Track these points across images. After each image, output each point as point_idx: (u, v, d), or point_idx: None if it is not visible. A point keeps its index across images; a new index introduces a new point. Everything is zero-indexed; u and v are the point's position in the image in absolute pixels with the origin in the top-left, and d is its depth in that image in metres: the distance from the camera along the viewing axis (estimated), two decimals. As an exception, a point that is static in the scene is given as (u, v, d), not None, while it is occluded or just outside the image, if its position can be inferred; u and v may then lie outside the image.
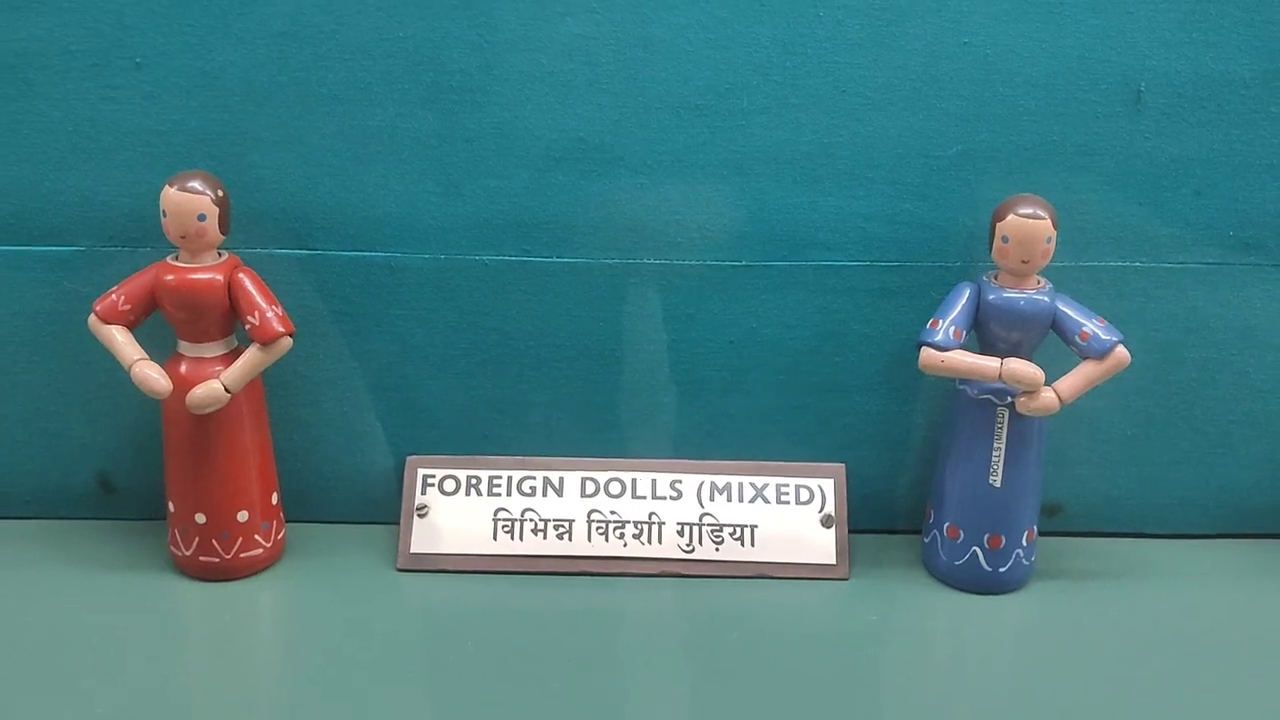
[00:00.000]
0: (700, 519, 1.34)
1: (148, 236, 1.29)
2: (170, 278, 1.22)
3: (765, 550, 1.33)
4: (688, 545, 1.33)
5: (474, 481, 1.36)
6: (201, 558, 1.29)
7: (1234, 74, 1.27)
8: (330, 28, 1.25)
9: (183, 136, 1.28)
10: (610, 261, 1.32)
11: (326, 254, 1.32)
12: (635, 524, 1.34)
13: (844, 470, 1.37)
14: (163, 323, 1.26)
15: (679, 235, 1.32)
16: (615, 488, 1.36)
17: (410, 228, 1.31)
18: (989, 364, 1.24)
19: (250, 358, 1.24)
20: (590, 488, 1.36)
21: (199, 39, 1.25)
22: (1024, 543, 1.30)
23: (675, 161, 1.30)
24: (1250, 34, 1.26)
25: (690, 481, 1.36)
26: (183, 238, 1.21)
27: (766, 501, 1.35)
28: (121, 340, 1.24)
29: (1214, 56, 1.27)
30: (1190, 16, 1.25)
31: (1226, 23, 1.26)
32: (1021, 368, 1.23)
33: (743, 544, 1.33)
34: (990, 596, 1.31)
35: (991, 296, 1.25)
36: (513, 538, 1.33)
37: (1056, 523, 1.42)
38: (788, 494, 1.36)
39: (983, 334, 1.27)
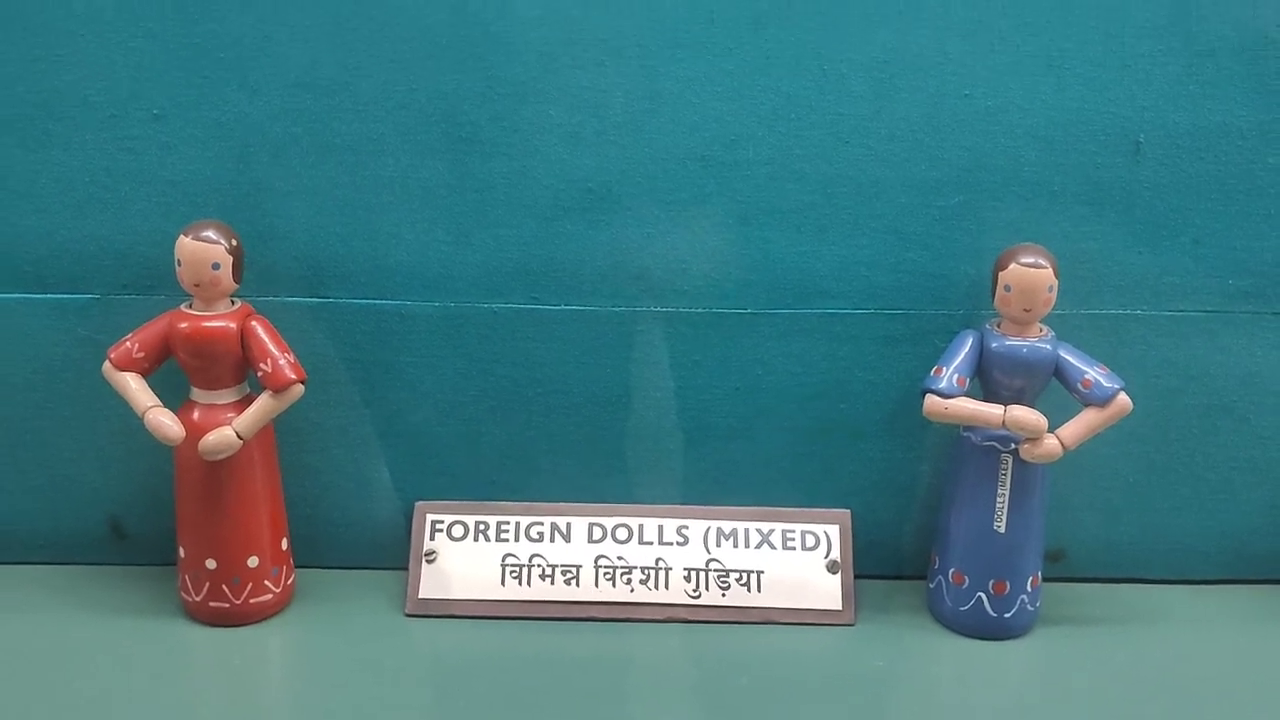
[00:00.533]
0: (707, 564, 1.35)
1: (162, 284, 1.31)
2: (184, 325, 1.24)
3: (771, 596, 1.33)
4: (694, 591, 1.34)
5: (482, 527, 1.37)
6: (212, 603, 1.29)
7: (1232, 125, 1.29)
8: (343, 80, 1.27)
9: (198, 186, 1.30)
10: (617, 309, 1.34)
11: (338, 302, 1.34)
12: (642, 569, 1.34)
13: (849, 516, 1.38)
14: (176, 370, 1.27)
15: (685, 283, 1.34)
16: (622, 533, 1.37)
17: (420, 276, 1.33)
18: (993, 411, 1.25)
19: (262, 405, 1.25)
20: (597, 533, 1.37)
21: (215, 91, 1.28)
22: (1028, 588, 1.31)
23: (681, 211, 1.32)
24: (1247, 86, 1.28)
25: (697, 527, 1.37)
26: (196, 286, 1.23)
27: (773, 547, 1.36)
28: (135, 387, 1.25)
29: (1212, 108, 1.29)
30: (1188, 69, 1.28)
31: (1224, 75, 1.28)
32: (1025, 415, 1.24)
33: (749, 589, 1.34)
34: (995, 642, 1.31)
35: (994, 344, 1.26)
36: (520, 583, 1.34)
37: (1060, 568, 1.43)
38: (793, 540, 1.36)
39: (986, 381, 1.29)
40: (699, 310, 1.34)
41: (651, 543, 1.36)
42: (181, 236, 1.22)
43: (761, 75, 1.28)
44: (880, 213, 1.32)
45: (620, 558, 1.35)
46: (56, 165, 1.30)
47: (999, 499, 1.28)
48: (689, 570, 1.35)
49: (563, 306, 1.34)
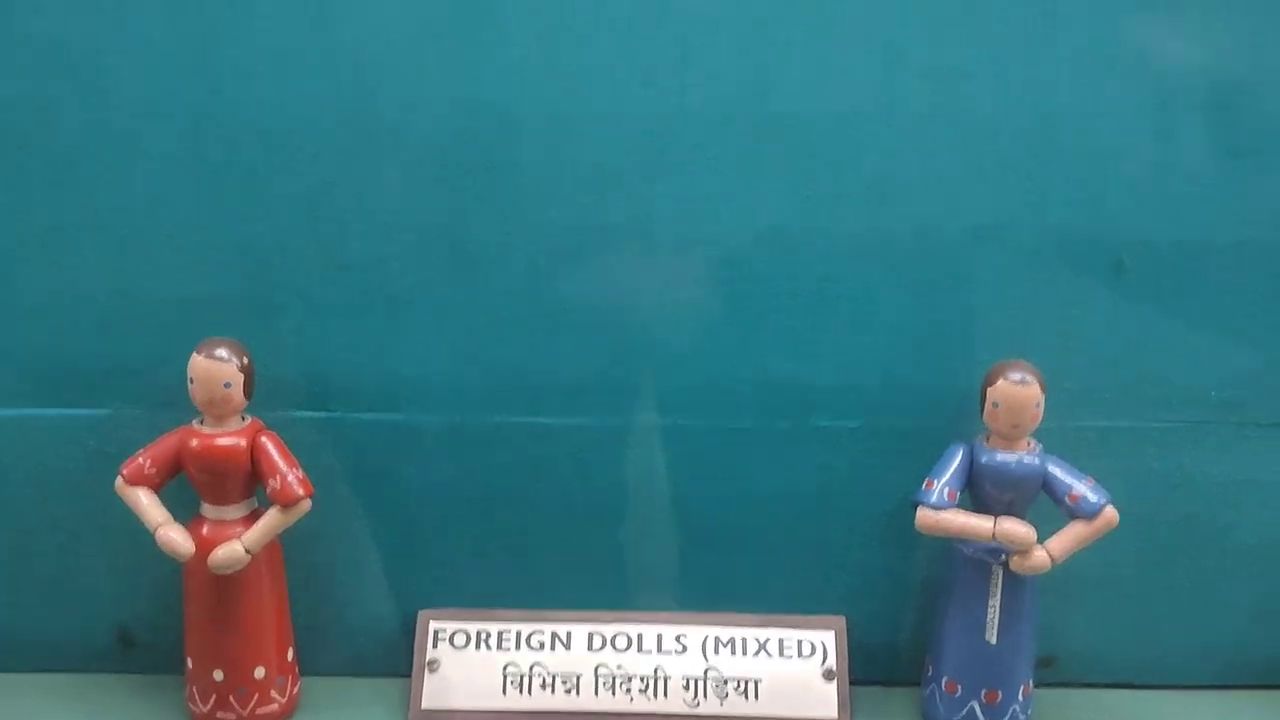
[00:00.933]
0: (705, 673, 1.37)
1: (174, 399, 1.34)
2: (195, 443, 1.27)
3: (769, 704, 1.36)
4: (693, 700, 1.36)
5: (484, 635, 1.39)
6: (219, 714, 1.32)
7: (1210, 242, 1.33)
8: (352, 201, 1.32)
9: (209, 303, 1.34)
10: (618, 423, 1.38)
11: (346, 416, 1.37)
12: (641, 678, 1.37)
13: (844, 623, 1.41)
14: (186, 482, 1.30)
15: (682, 397, 1.37)
16: (621, 641, 1.39)
17: (426, 390, 1.37)
18: (982, 524, 1.28)
19: (270, 520, 1.28)
20: (597, 642, 1.39)
21: (227, 210, 1.32)
22: (1020, 697, 1.33)
23: (680, 327, 1.36)
24: (1224, 205, 1.32)
25: (695, 635, 1.40)
26: (209, 403, 1.27)
27: (769, 655, 1.38)
28: (147, 503, 1.28)
29: (1192, 226, 1.33)
30: (1169, 187, 1.32)
31: (1202, 194, 1.32)
32: (1014, 528, 1.27)
33: (746, 698, 1.36)
34: (989, 750, 1.34)
35: (984, 459, 1.30)
36: (521, 692, 1.36)
37: (1051, 674, 1.45)
38: (790, 647, 1.39)
39: (976, 494, 1.32)
40: (696, 423, 1.38)
41: (650, 651, 1.38)
42: (195, 355, 1.26)
43: (755, 196, 1.32)
44: (872, 328, 1.36)
45: (619, 666, 1.37)
46: (71, 283, 1.34)
47: (990, 610, 1.31)
48: (688, 679, 1.37)
49: (564, 420, 1.38)
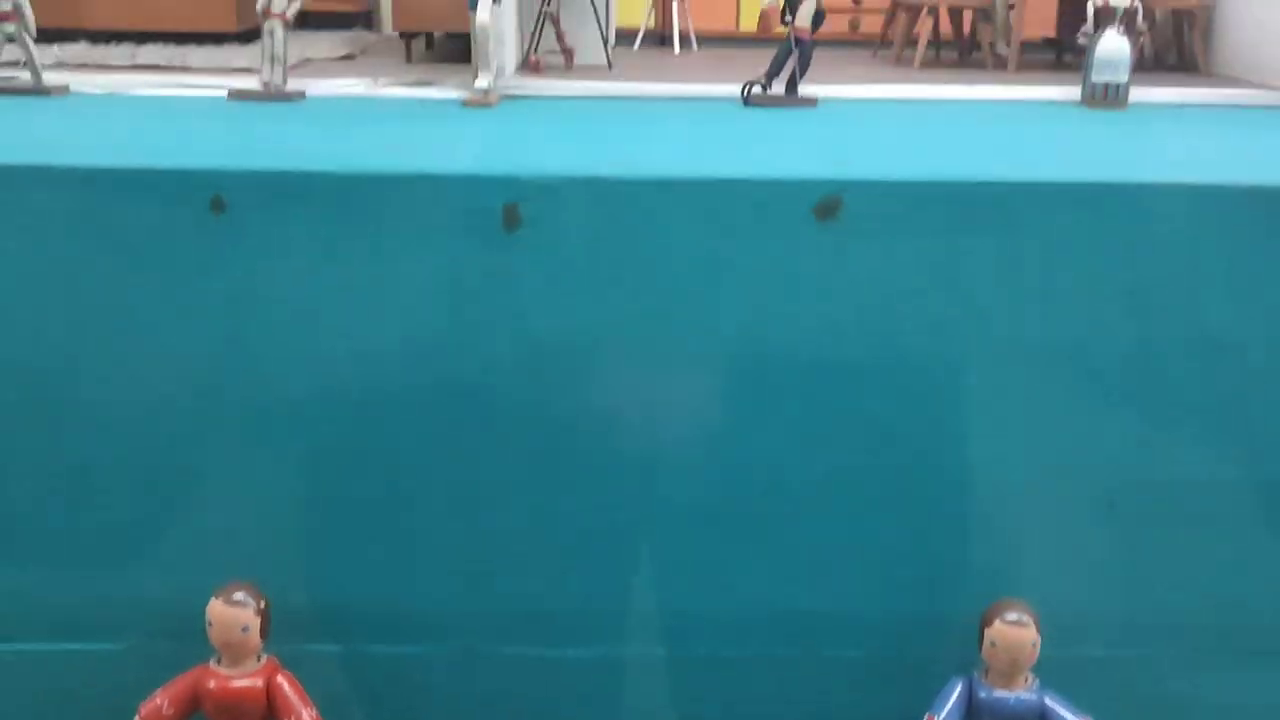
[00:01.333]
0: None
1: (193, 632, 1.37)
2: (212, 684, 1.30)
3: None
4: None
5: None
6: None
7: (1195, 480, 1.38)
8: (361, 445, 1.37)
9: (228, 540, 1.38)
10: (623, 653, 1.41)
11: (357, 649, 1.41)
12: None
13: None
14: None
15: (686, 628, 1.41)
16: None
17: (436, 623, 1.40)
18: (981, 762, 1.32)
19: (286, 759, 1.31)
20: None
21: (247, 455, 1.37)
22: None
23: (686, 558, 1.40)
24: (1207, 446, 1.37)
25: None
26: (226, 646, 1.30)
27: None
28: (164, 746, 1.31)
29: (1179, 465, 1.38)
30: (1156, 428, 1.37)
31: (1188, 434, 1.37)
32: (1011, 766, 1.30)
33: None
34: None
35: (982, 694, 1.33)
36: None
37: None
38: None
39: (976, 728, 1.35)
40: (700, 654, 1.41)
41: None
42: (213, 600, 1.29)
43: (759, 439, 1.37)
44: (872, 561, 1.39)
45: None
46: (91, 522, 1.38)
47: (991, 844, 1.33)
48: None
49: (572, 651, 1.41)
